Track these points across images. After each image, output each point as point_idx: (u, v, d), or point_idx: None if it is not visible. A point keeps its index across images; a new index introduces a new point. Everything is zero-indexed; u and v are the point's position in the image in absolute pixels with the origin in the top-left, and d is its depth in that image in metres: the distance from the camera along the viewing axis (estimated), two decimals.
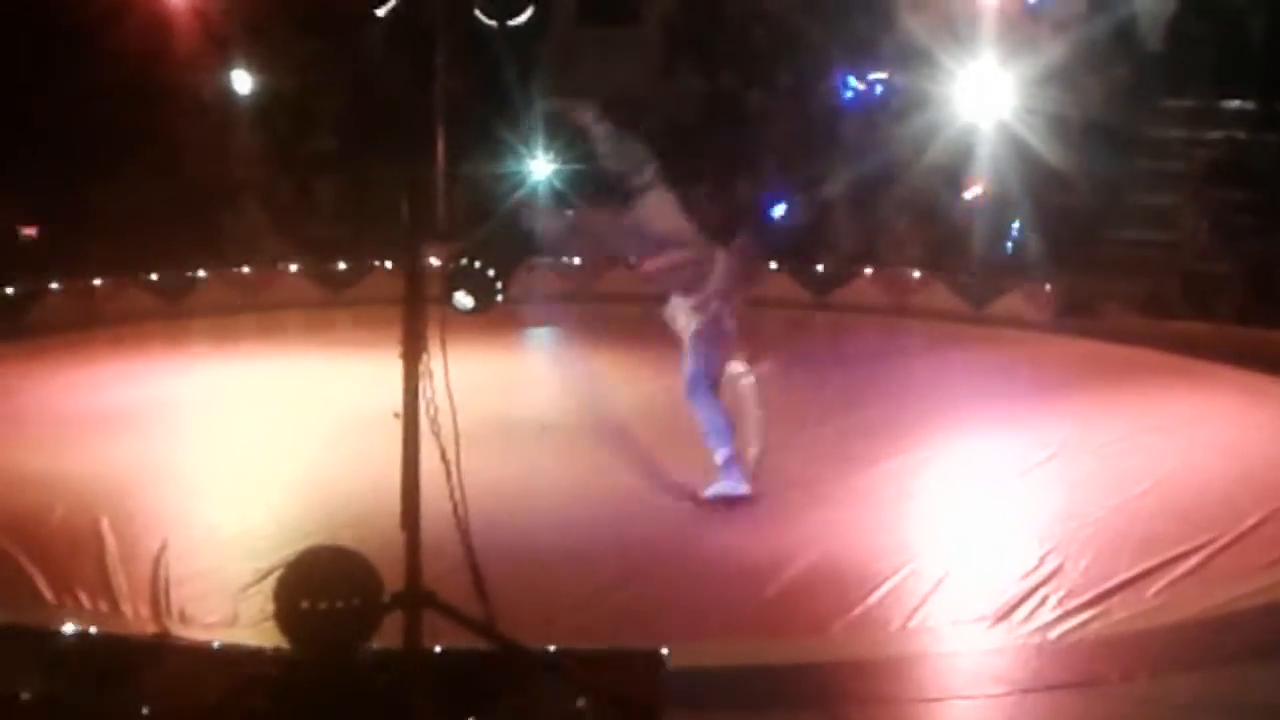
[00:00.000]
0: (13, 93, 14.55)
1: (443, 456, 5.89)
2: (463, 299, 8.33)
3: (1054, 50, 15.50)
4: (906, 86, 16.39)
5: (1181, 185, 15.71)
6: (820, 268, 15.57)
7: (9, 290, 13.74)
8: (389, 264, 13.57)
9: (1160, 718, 5.92)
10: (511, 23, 8.31)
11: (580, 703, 5.63)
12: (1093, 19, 16.27)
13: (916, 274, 15.28)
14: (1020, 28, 15.93)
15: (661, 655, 5.80)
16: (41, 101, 14.72)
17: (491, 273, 8.37)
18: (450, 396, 6.09)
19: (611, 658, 5.84)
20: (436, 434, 5.94)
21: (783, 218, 16.38)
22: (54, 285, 14.01)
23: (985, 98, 15.23)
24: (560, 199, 10.41)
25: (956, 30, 15.63)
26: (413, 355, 5.93)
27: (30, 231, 15.17)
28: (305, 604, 5.85)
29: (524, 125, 12.66)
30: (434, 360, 6.05)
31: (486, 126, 14.09)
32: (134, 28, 15.02)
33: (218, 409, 10.68)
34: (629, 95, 8.28)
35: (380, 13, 7.02)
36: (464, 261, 8.30)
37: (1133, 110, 16.43)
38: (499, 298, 8.57)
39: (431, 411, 5.96)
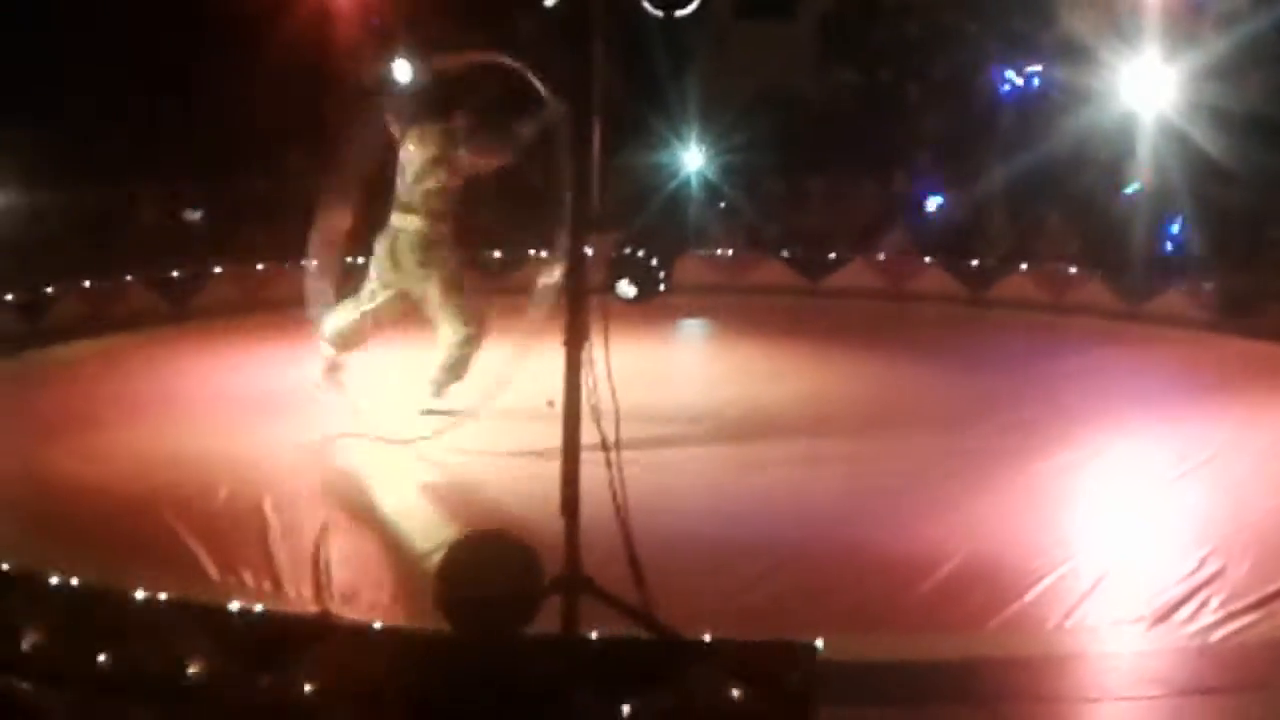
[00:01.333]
0: (181, 82, 14.82)
1: (603, 445, 5.95)
2: (626, 288, 8.40)
3: (1216, 44, 15.23)
4: (1065, 81, 16.21)
5: None
6: (976, 263, 15.45)
7: (175, 274, 14.01)
8: (545, 253, 13.62)
9: None
10: (680, 13, 8.32)
11: (735, 692, 5.65)
12: (1256, 13, 15.94)
13: (1074, 270, 15.10)
14: (1182, 22, 15.66)
15: (816, 647, 5.79)
16: (207, 91, 14.97)
17: (654, 262, 8.42)
18: (611, 385, 6.16)
19: (766, 648, 5.83)
20: (597, 422, 6.01)
21: (938, 211, 16.31)
22: (218, 270, 14.24)
23: (1146, 92, 15.02)
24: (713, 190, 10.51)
25: (1117, 24, 15.42)
26: (575, 343, 5.99)
27: (195, 216, 15.45)
28: (466, 587, 5.92)
29: (680, 117, 12.71)
30: (595, 349, 6.11)
31: (643, 118, 14.16)
32: (298, 18, 15.24)
33: (378, 393, 10.79)
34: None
35: (549, 2, 7.09)
36: (627, 250, 8.36)
37: None
38: (662, 287, 8.62)
39: (592, 400, 6.03)
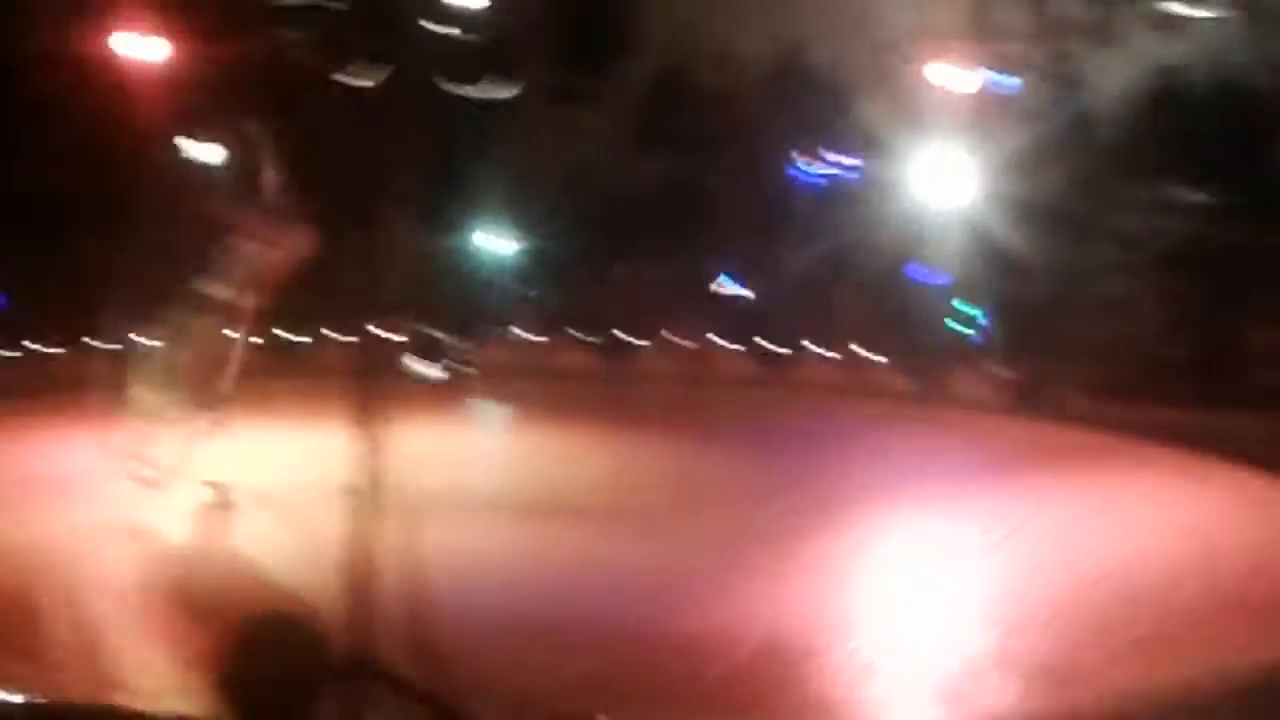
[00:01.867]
0: None
1: (391, 524, 5.86)
2: (421, 367, 8.31)
3: (1015, 137, 15.57)
4: (865, 169, 16.46)
5: (1140, 274, 15.77)
6: (771, 346, 15.59)
7: None
8: (337, 335, 13.47)
9: None
10: (473, 93, 8.45)
11: None
12: (1056, 106, 16.35)
13: (870, 355, 15.30)
14: (981, 115, 16.00)
15: None
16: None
17: (449, 340, 8.36)
18: (400, 468, 6.08)
19: None
20: (388, 503, 5.91)
21: (735, 295, 16.42)
22: (6, 354, 13.88)
23: (945, 182, 15.29)
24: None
25: (916, 115, 15.71)
26: (367, 424, 5.89)
27: None
28: (249, 672, 5.75)
29: (483, 201, 12.65)
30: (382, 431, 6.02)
31: (440, 199, 14.08)
32: (94, 99, 14.96)
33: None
34: None
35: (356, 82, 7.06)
36: (422, 330, 8.30)
37: (1093, 199, 16.51)
38: (460, 366, 8.56)
39: (380, 483, 5.92)
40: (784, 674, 7.06)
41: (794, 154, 17.19)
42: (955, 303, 15.54)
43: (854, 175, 16.76)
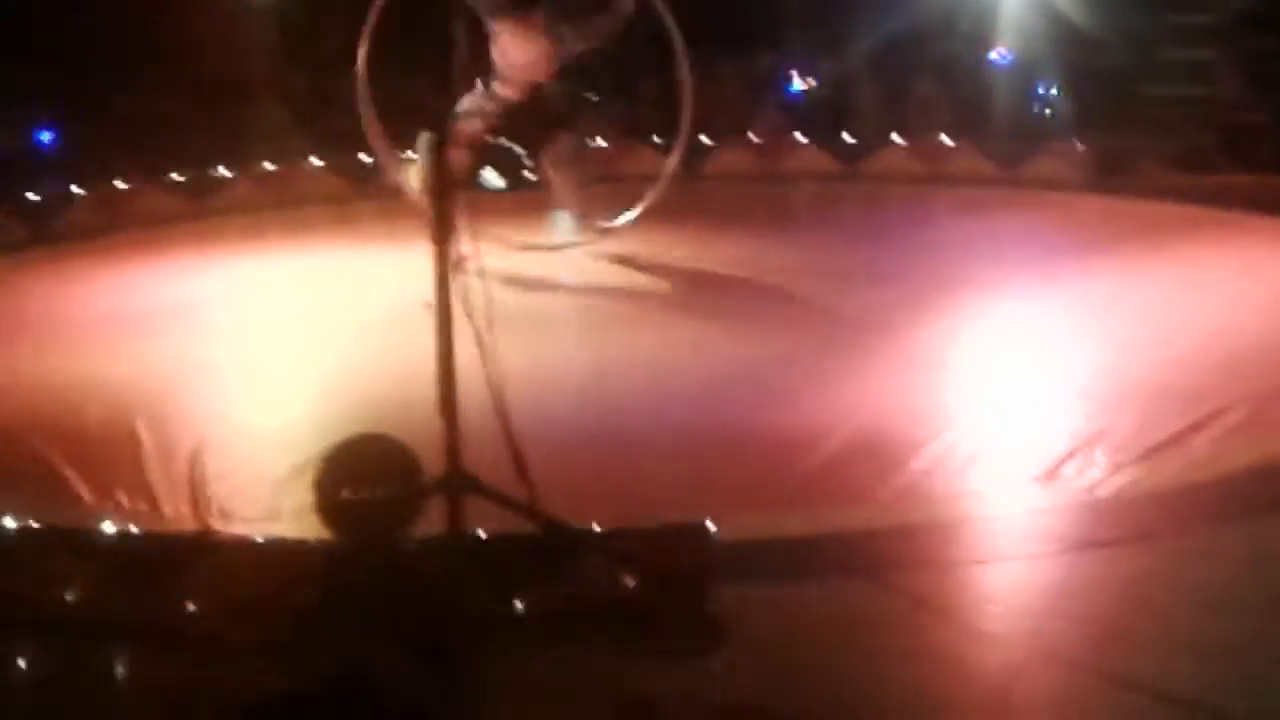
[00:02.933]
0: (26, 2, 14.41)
1: (478, 340, 5.83)
2: (491, 177, 8.23)
3: None
4: None
5: (1213, 38, 15.44)
6: (847, 137, 15.39)
7: (34, 196, 13.65)
8: (410, 153, 13.41)
9: (1213, 570, 5.85)
10: None
11: (628, 581, 5.59)
12: None
13: (945, 139, 15.08)
14: None
15: (707, 529, 5.74)
16: (55, 8, 14.56)
17: (519, 150, 8.27)
18: (483, 279, 6.04)
19: (656, 534, 5.77)
20: (470, 318, 5.88)
21: (806, 89, 16.22)
22: (78, 190, 13.90)
23: None
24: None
25: None
26: (442, 239, 5.84)
27: (47, 137, 15.10)
28: (346, 493, 5.80)
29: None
30: (464, 244, 5.97)
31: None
32: None
33: (248, 308, 10.62)
34: None
35: None
36: (490, 139, 8.21)
37: None
38: (529, 175, 8.49)
39: (464, 296, 5.89)
40: (880, 464, 7.03)
41: None
42: (1029, 80, 15.30)
43: None
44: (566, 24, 10.35)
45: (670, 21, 9.96)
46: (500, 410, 5.86)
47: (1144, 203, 13.16)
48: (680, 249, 11.48)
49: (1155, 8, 15.92)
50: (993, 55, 15.48)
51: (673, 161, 9.83)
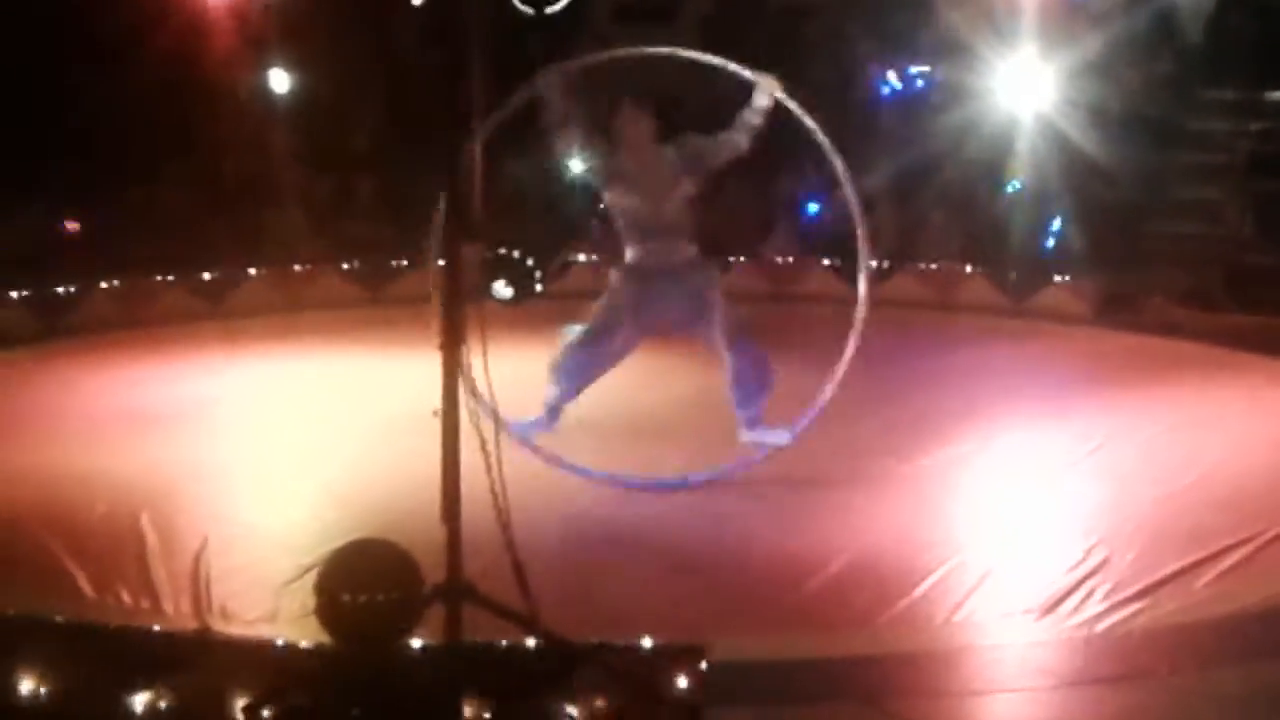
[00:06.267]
0: (56, 94, 14.58)
1: (483, 447, 5.87)
2: (501, 289, 8.31)
3: (1093, 42, 15.39)
4: (946, 80, 16.33)
5: (1224, 178, 15.58)
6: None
7: (55, 289, 13.78)
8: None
9: (1208, 710, 5.85)
10: (549, 10, 8.26)
11: (623, 697, 5.59)
12: (1132, 11, 16.12)
13: (958, 268, 15.20)
14: (1059, 20, 15.81)
15: (703, 649, 5.75)
16: (83, 102, 14.75)
17: (530, 262, 8.35)
18: (490, 389, 6.10)
19: (653, 652, 5.79)
20: (477, 426, 5.92)
21: (820, 213, 16.34)
22: (99, 284, 14.02)
23: (1025, 90, 15.14)
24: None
25: (996, 23, 15.55)
26: (450, 346, 5.89)
27: (74, 226, 15.23)
28: (346, 597, 5.81)
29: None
30: (473, 353, 6.02)
31: (523, 123, 14.04)
32: (173, 29, 15.06)
33: (259, 409, 10.69)
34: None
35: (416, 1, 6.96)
36: (502, 251, 8.28)
37: (1173, 102, 16.31)
38: (538, 287, 8.54)
39: (471, 404, 5.94)
40: (880, 590, 7.05)
41: (875, 65, 17.09)
42: (1040, 213, 15.42)
43: (935, 85, 16.67)
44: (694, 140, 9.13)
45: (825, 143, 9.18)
46: (503, 520, 5.89)
47: (1150, 339, 13.24)
48: (688, 367, 11.51)
49: (1168, 146, 16.08)
50: (1008, 187, 15.62)
51: (864, 289, 9.07)
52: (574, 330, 8.77)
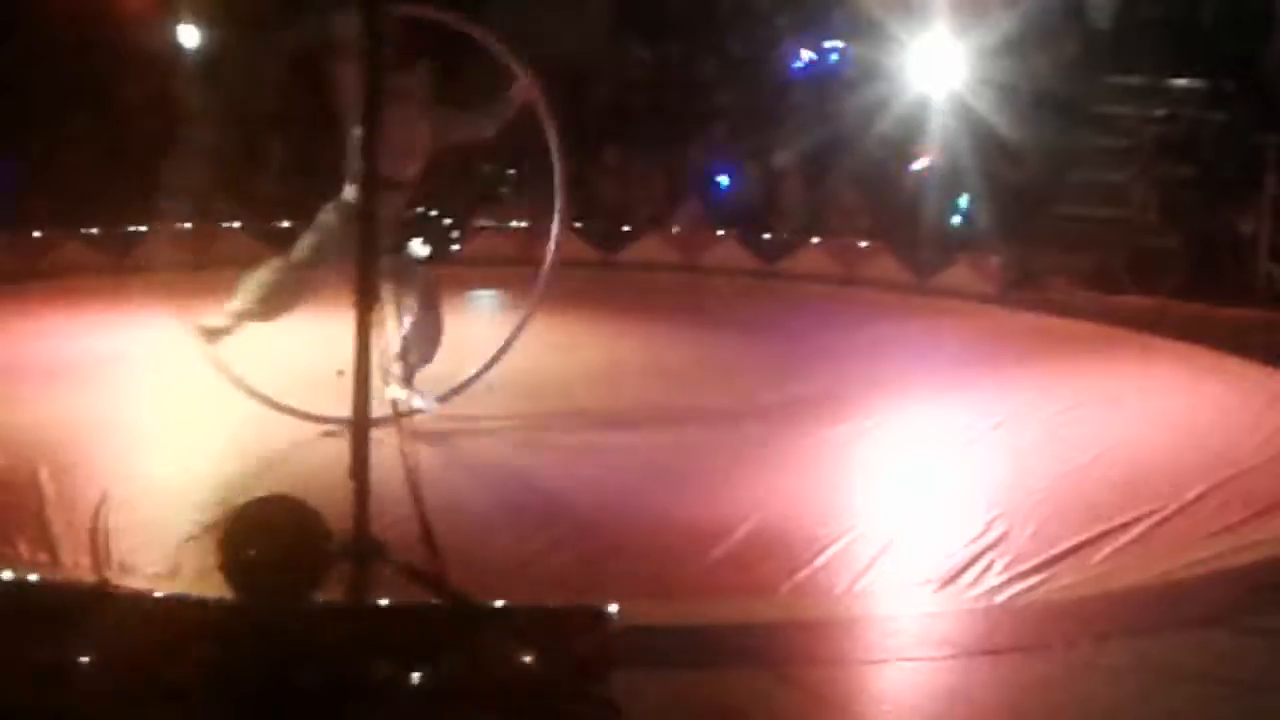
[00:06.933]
0: None
1: (393, 407, 5.86)
2: (418, 247, 8.27)
3: (1004, 22, 15.51)
4: (858, 57, 16.41)
5: (1130, 161, 15.77)
6: (768, 236, 15.60)
7: None
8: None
9: (1101, 681, 5.94)
10: None
11: (528, 658, 5.59)
12: None
13: (864, 244, 15.31)
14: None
15: (610, 612, 5.76)
16: None
17: (448, 221, 8.32)
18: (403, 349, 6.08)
19: (560, 614, 5.79)
20: (387, 387, 5.91)
21: (730, 186, 16.40)
22: None
23: (936, 69, 15.24)
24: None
25: (908, 1, 15.63)
26: (364, 305, 5.87)
27: None
28: (250, 554, 5.78)
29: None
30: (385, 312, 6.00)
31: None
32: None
33: (160, 365, 10.56)
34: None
35: None
36: (420, 210, 8.24)
37: (1081, 86, 16.49)
38: (455, 247, 8.52)
39: (382, 365, 5.92)
40: (782, 559, 7.10)
41: (788, 41, 17.15)
42: (947, 191, 15.53)
43: (847, 61, 16.74)
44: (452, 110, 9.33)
45: (547, 114, 9.38)
46: (412, 480, 5.88)
47: (1053, 318, 13.41)
48: (595, 335, 11.56)
49: (1075, 128, 16.25)
50: (914, 165, 15.71)
51: (551, 255, 9.30)
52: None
